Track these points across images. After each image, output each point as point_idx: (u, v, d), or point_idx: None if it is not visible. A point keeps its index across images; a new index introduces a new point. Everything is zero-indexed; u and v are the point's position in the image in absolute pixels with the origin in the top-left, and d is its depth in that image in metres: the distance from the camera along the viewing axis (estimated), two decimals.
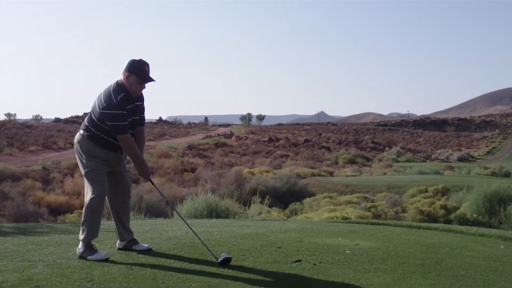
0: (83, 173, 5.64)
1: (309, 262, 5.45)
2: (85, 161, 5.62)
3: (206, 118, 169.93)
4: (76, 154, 5.76)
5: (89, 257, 5.31)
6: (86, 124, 5.65)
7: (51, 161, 34.71)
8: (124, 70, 5.52)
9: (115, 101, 5.42)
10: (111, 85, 5.58)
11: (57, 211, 18.38)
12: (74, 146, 5.77)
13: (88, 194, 5.53)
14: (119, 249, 5.88)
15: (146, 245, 5.98)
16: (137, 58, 5.58)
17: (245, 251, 5.98)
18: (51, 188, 23.77)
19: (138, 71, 5.49)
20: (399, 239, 7.32)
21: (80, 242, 5.49)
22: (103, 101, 5.46)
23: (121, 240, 5.93)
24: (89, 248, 5.41)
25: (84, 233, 5.47)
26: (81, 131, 5.69)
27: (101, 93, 5.58)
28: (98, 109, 5.49)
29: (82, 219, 5.55)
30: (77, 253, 5.45)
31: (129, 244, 5.91)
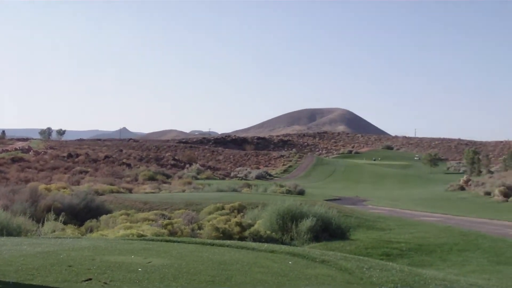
0: None
1: (99, 281, 5.33)
2: None
3: (3, 131, 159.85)
4: None
5: None
6: None
7: None
8: None
9: None
10: None
11: None
12: None
13: None
14: None
15: None
16: None
17: (33, 270, 5.70)
18: None
19: None
20: (192, 256, 7.38)
21: None
22: None
23: None
24: None
25: None
26: None
27: None
28: None
29: None
30: None
31: None
